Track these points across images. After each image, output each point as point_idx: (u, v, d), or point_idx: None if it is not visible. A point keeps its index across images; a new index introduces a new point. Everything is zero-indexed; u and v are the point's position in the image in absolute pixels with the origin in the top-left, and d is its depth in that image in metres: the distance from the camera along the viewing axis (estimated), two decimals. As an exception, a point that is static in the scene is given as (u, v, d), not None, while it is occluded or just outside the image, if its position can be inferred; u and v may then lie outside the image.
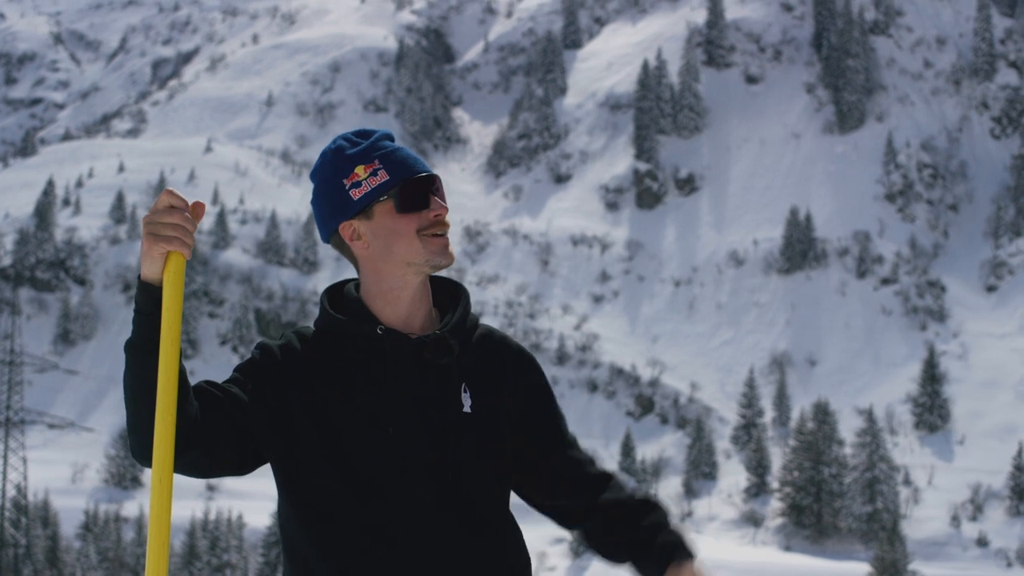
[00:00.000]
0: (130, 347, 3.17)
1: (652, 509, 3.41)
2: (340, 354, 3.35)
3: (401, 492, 3.27)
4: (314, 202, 3.40)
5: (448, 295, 3.52)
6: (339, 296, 3.47)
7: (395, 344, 3.32)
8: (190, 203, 3.15)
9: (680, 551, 3.31)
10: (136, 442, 3.20)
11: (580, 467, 3.48)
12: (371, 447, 3.29)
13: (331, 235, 3.39)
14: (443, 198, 3.37)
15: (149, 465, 3.20)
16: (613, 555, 3.42)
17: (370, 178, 3.32)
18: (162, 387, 3.15)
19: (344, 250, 3.40)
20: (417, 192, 3.32)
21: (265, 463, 3.39)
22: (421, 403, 3.31)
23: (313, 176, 3.40)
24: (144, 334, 3.15)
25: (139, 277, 3.18)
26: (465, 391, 3.35)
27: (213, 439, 3.26)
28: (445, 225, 3.35)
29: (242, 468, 3.36)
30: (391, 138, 3.42)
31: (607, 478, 3.47)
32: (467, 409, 3.35)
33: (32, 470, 75.41)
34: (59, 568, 65.49)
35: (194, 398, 3.26)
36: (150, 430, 3.17)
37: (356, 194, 3.33)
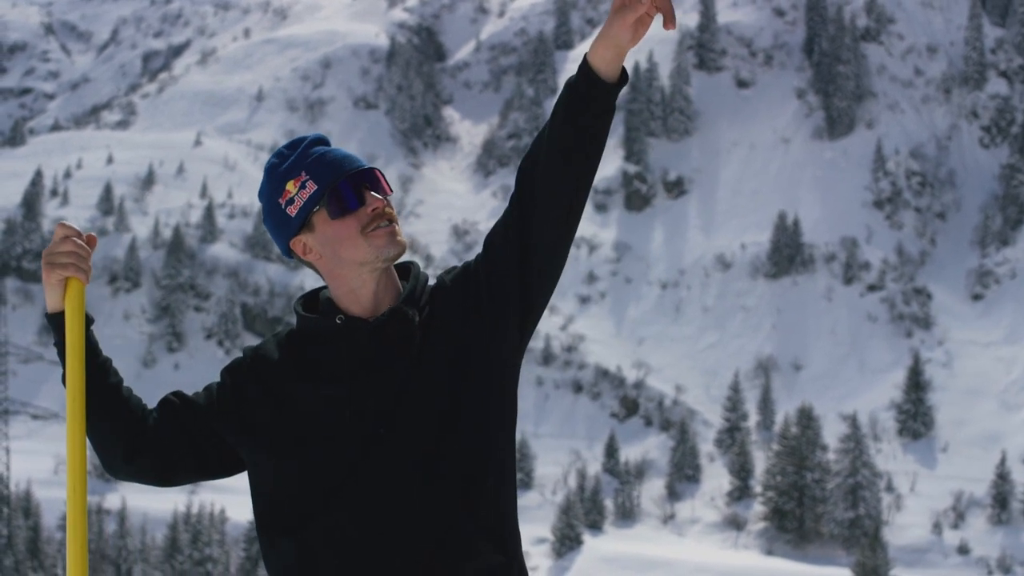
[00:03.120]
0: (65, 379, 3.40)
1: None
2: (310, 350, 3.43)
3: (354, 464, 3.32)
4: (264, 223, 3.49)
5: (407, 275, 3.56)
6: (315, 301, 3.54)
7: (353, 330, 3.37)
8: (84, 235, 3.37)
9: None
10: (102, 459, 3.45)
11: (510, 213, 3.41)
12: (330, 430, 3.35)
13: (287, 253, 3.47)
14: (381, 188, 3.39)
15: (119, 478, 3.47)
16: (561, 118, 3.30)
17: (300, 192, 3.37)
18: (70, 404, 3.34)
19: (305, 263, 3.47)
20: (347, 193, 3.34)
21: (236, 471, 3.52)
22: (382, 381, 3.35)
23: (259, 197, 3.49)
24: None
25: (47, 313, 3.41)
26: (428, 353, 3.37)
27: (166, 446, 3.43)
28: (385, 216, 3.37)
29: (201, 472, 3.49)
30: (322, 142, 3.44)
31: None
32: (425, 368, 3.38)
33: (15, 460, 75.29)
34: (40, 559, 65.40)
35: (144, 406, 3.46)
36: (110, 444, 3.43)
37: (292, 211, 3.39)
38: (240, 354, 3.55)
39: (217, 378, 3.54)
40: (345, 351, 3.37)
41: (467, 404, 3.36)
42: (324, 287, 3.56)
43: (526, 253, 3.39)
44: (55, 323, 3.38)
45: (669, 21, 3.16)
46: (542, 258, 3.40)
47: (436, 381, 3.35)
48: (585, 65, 3.25)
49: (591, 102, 3.26)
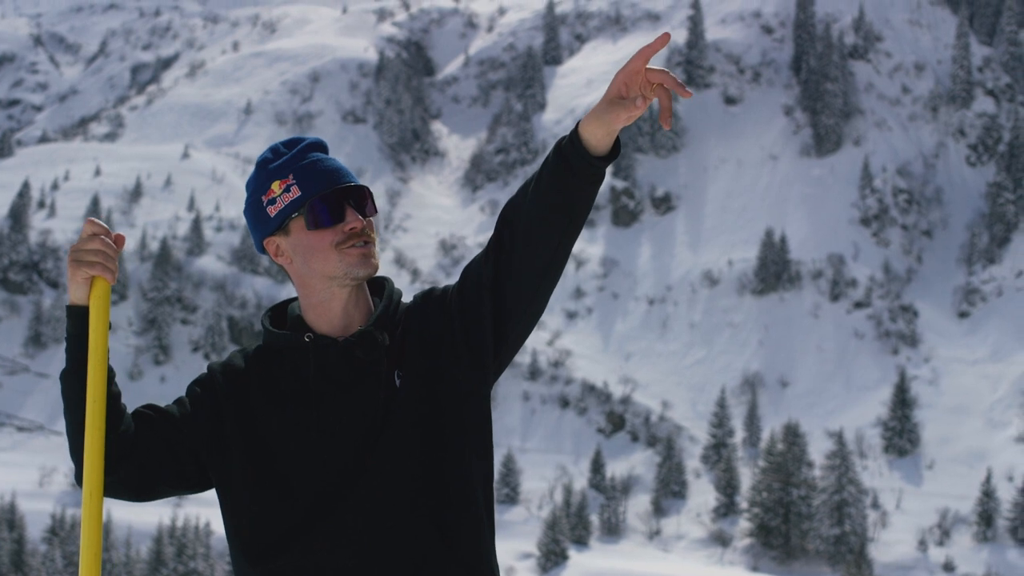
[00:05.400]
0: (65, 375, 3.32)
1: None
2: (277, 367, 3.38)
3: (328, 494, 3.27)
4: (244, 213, 3.46)
5: (380, 291, 3.52)
6: (283, 313, 3.51)
7: (322, 349, 3.32)
8: (113, 234, 3.31)
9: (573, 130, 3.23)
10: (81, 467, 3.31)
11: (490, 244, 3.38)
12: (299, 454, 3.30)
13: (261, 250, 3.44)
14: (365, 208, 3.35)
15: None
16: (547, 181, 3.26)
17: (284, 194, 3.34)
18: (91, 405, 3.27)
19: (277, 264, 3.44)
20: (328, 207, 3.30)
21: (211, 485, 3.45)
22: (351, 403, 3.30)
23: (246, 187, 3.44)
24: (77, 357, 3.30)
25: (68, 305, 3.32)
26: (398, 377, 3.33)
27: (144, 457, 3.36)
28: (362, 237, 3.33)
29: (180, 486, 3.41)
30: (319, 147, 3.41)
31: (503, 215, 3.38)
32: (399, 394, 3.33)
33: (-1, 473, 75.04)
34: (24, 572, 65.16)
35: (130, 419, 3.38)
36: None
37: (272, 211, 3.36)
38: (210, 368, 3.49)
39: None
40: (313, 371, 3.32)
41: (440, 432, 3.31)
42: (294, 299, 3.51)
43: (500, 299, 3.35)
44: (74, 315, 3.31)
45: (666, 119, 3.08)
46: (515, 305, 3.36)
47: (408, 407, 3.30)
48: (576, 135, 3.20)
49: (579, 172, 3.21)
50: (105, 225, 3.30)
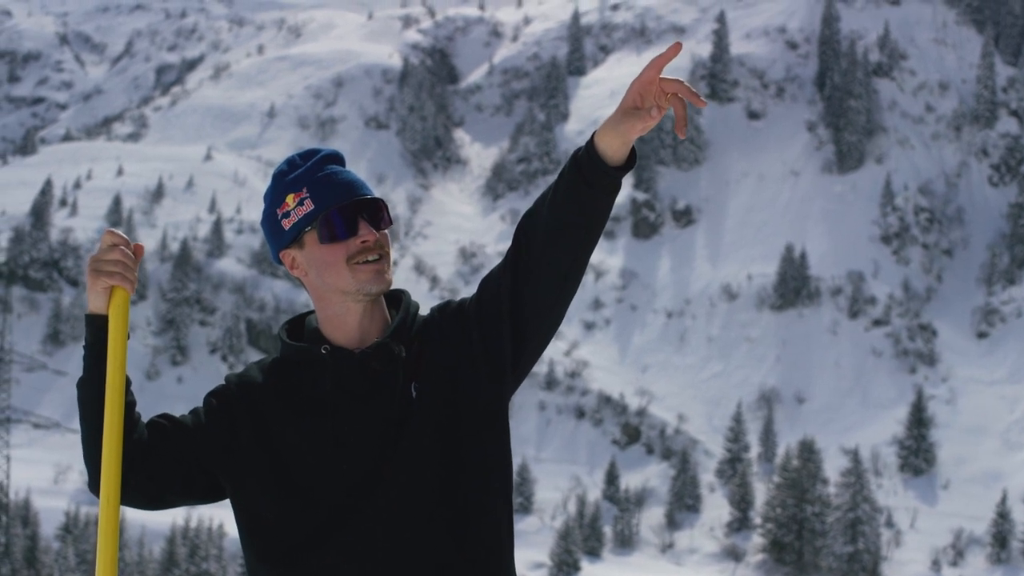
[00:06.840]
0: (82, 383, 3.36)
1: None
2: (294, 379, 3.39)
3: (344, 505, 3.28)
4: (261, 225, 3.47)
5: (397, 303, 3.51)
6: (300, 327, 3.51)
7: (339, 361, 3.33)
8: (132, 244, 3.35)
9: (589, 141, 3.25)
10: (94, 474, 3.34)
11: (509, 256, 3.38)
12: (315, 465, 3.31)
13: (278, 261, 3.46)
14: (379, 222, 3.35)
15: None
16: (564, 192, 3.26)
17: (297, 207, 3.34)
18: (108, 414, 3.30)
19: (293, 276, 3.46)
20: (341, 220, 3.30)
21: (222, 496, 3.47)
22: (367, 415, 3.31)
23: (264, 198, 3.46)
24: (95, 365, 3.34)
25: (86, 314, 3.36)
26: (415, 389, 3.33)
27: (156, 467, 3.38)
28: (375, 251, 3.32)
29: (190, 496, 3.44)
30: (335, 159, 3.41)
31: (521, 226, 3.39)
32: (416, 406, 3.33)
33: (15, 469, 75.22)
34: (37, 569, 65.30)
35: (143, 428, 3.41)
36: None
37: (286, 224, 3.37)
38: (227, 379, 3.51)
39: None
40: (330, 383, 3.33)
41: (457, 443, 3.31)
42: (311, 312, 3.50)
43: (518, 309, 3.34)
44: (93, 324, 3.34)
45: (681, 128, 3.13)
46: (534, 315, 3.35)
47: (425, 418, 3.30)
48: (592, 146, 3.21)
49: (595, 182, 3.21)
50: (124, 236, 3.34)
